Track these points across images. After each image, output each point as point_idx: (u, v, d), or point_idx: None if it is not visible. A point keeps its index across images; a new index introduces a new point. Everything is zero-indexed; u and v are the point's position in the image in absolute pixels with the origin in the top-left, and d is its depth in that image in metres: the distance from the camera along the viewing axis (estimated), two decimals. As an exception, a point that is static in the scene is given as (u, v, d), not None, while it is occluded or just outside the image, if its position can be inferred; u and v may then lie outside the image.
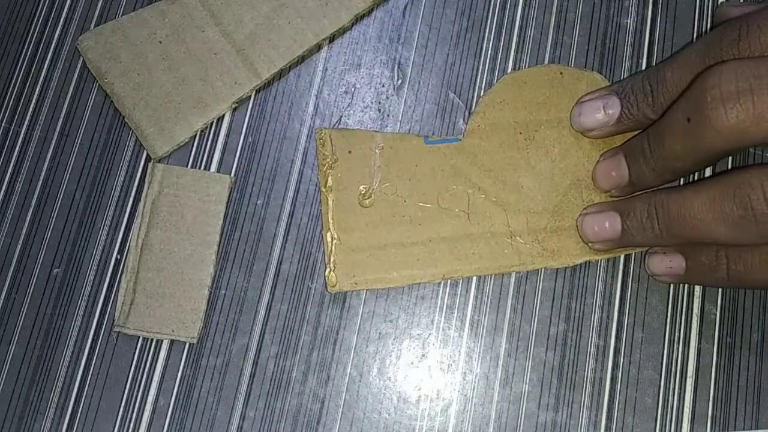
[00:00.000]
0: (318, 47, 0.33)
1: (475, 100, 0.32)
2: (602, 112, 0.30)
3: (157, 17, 0.32)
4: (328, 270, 0.30)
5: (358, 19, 0.33)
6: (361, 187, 0.31)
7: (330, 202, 0.30)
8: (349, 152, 0.31)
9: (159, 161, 0.31)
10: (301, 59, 0.33)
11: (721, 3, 0.33)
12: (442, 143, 0.31)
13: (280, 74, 0.32)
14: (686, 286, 0.31)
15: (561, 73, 0.32)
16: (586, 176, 0.31)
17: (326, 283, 0.30)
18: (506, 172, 0.31)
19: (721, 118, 0.24)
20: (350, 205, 0.31)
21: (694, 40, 0.28)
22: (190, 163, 0.32)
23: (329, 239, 0.30)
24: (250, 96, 0.32)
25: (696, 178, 0.32)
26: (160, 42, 0.32)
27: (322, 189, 0.31)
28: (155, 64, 0.32)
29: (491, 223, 0.31)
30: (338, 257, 0.30)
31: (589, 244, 0.30)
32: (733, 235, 0.25)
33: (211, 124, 0.32)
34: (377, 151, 0.31)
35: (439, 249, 0.30)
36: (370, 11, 0.33)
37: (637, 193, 0.30)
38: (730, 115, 0.24)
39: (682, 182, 0.31)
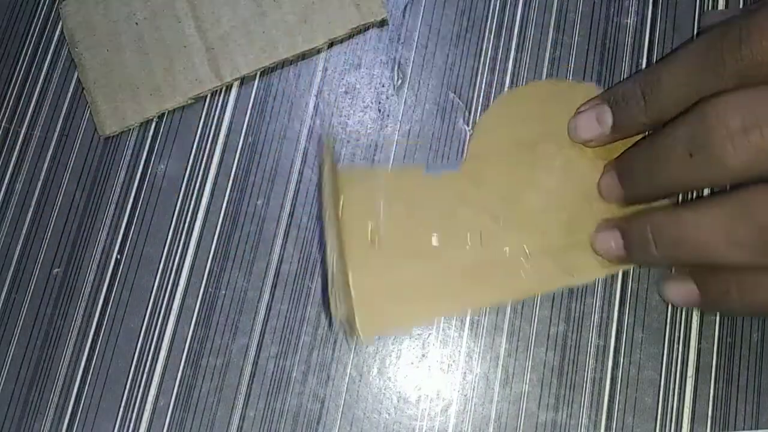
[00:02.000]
0: (283, 63, 0.32)
1: (475, 100, 0.32)
2: (596, 123, 0.29)
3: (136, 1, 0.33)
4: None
5: (333, 44, 0.33)
6: (369, 226, 0.30)
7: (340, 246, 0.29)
8: (352, 192, 0.30)
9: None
10: (271, 69, 0.32)
11: (707, 11, 0.33)
12: (444, 170, 0.31)
13: (253, 77, 0.32)
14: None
15: (555, 87, 0.32)
16: (594, 187, 0.30)
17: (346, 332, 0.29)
18: (513, 193, 0.30)
19: (730, 157, 0.23)
20: (359, 247, 0.30)
21: (693, 39, 0.27)
22: (189, 163, 0.32)
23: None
24: (206, 96, 0.32)
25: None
26: (137, 24, 0.32)
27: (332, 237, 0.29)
28: (126, 45, 0.32)
29: (505, 246, 0.30)
30: (355, 304, 0.29)
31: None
32: (751, 259, 0.24)
33: (212, 123, 0.32)
34: (380, 187, 0.30)
35: (456, 281, 0.29)
36: (349, 37, 0.33)
37: (637, 208, 0.29)
38: (739, 153, 0.23)
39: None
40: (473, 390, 0.30)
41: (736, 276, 0.26)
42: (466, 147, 0.31)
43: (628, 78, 0.31)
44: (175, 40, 0.32)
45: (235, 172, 0.32)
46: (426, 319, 0.29)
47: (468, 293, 0.29)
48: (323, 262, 0.27)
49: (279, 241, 0.31)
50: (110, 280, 0.30)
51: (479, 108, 0.32)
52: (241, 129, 0.32)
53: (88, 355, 0.30)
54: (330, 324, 0.29)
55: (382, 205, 0.30)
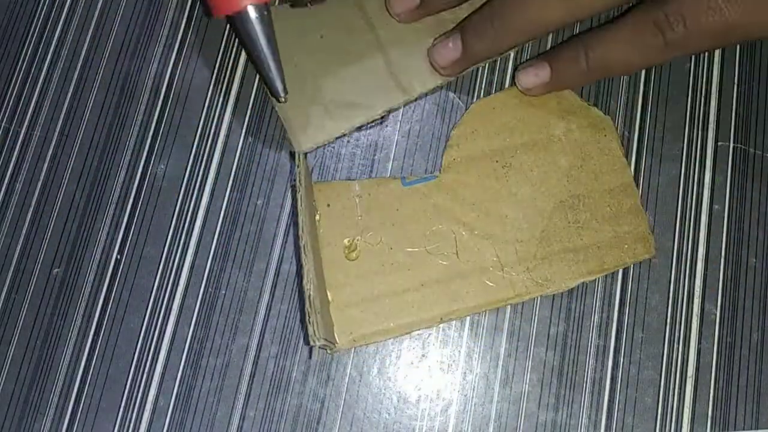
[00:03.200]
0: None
1: (475, 100, 0.32)
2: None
3: (320, 13, 0.32)
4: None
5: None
6: (345, 240, 0.30)
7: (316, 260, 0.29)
8: (328, 206, 0.30)
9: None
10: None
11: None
12: (420, 183, 0.31)
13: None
14: (686, 285, 0.31)
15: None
16: (569, 197, 0.31)
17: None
18: (488, 204, 0.31)
19: None
20: (337, 260, 0.30)
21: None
22: (189, 163, 0.32)
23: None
24: (399, 107, 0.32)
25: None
26: (322, 37, 0.32)
27: (305, 248, 0.28)
28: (313, 59, 0.32)
29: (481, 258, 0.30)
30: (333, 316, 0.29)
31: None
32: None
33: (211, 124, 0.32)
34: (356, 200, 0.30)
35: (433, 292, 0.30)
36: None
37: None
38: None
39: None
40: (473, 390, 0.30)
41: (581, 41, 0.29)
42: (441, 158, 0.31)
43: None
44: (360, 54, 0.32)
45: (235, 172, 0.32)
46: (401, 331, 0.29)
47: (443, 305, 0.29)
48: (300, 276, 0.28)
49: (279, 241, 0.31)
50: (110, 280, 0.30)
51: (479, 108, 0.32)
52: (241, 129, 0.32)
53: (88, 355, 0.30)
54: (306, 339, 0.29)
55: (358, 218, 0.30)
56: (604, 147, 0.31)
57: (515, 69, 0.32)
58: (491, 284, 0.30)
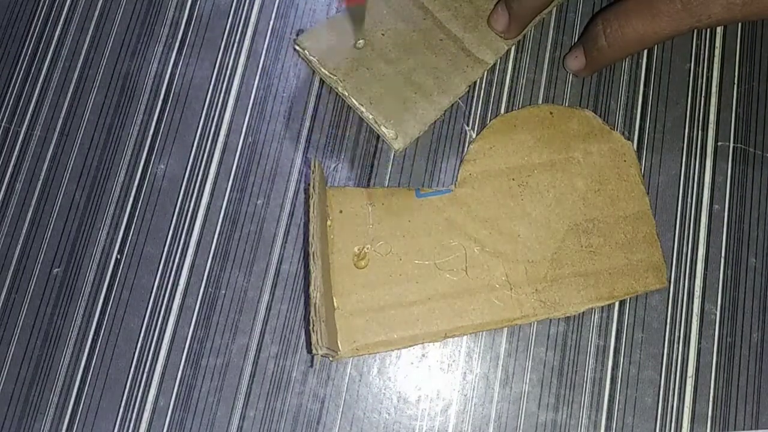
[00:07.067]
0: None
1: (475, 101, 0.32)
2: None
3: (374, 14, 0.32)
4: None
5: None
6: (355, 248, 0.30)
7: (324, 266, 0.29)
8: (340, 212, 0.30)
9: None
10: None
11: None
12: (434, 195, 0.31)
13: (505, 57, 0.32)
14: (686, 286, 0.31)
15: (551, 113, 0.32)
16: (584, 220, 0.30)
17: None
18: (502, 221, 0.30)
19: None
20: (345, 267, 0.30)
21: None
22: (189, 163, 0.32)
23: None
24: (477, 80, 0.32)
25: None
26: (383, 34, 0.32)
27: (314, 255, 0.28)
28: (382, 59, 0.32)
29: (490, 276, 0.30)
30: (338, 323, 0.29)
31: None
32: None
33: (211, 124, 0.32)
34: (369, 208, 0.30)
35: (439, 307, 0.29)
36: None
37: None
38: None
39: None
40: (473, 390, 0.30)
41: (599, 21, 0.30)
42: (457, 172, 0.31)
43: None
44: (427, 39, 0.32)
45: (235, 172, 0.32)
46: (405, 343, 0.29)
47: (448, 320, 0.29)
48: (306, 283, 0.28)
49: (279, 241, 0.31)
50: (110, 280, 0.30)
51: (479, 108, 0.32)
52: (241, 129, 0.32)
53: (88, 355, 0.30)
54: (308, 347, 0.29)
55: (370, 227, 0.30)
56: (623, 172, 0.31)
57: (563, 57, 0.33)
58: (499, 303, 0.30)
